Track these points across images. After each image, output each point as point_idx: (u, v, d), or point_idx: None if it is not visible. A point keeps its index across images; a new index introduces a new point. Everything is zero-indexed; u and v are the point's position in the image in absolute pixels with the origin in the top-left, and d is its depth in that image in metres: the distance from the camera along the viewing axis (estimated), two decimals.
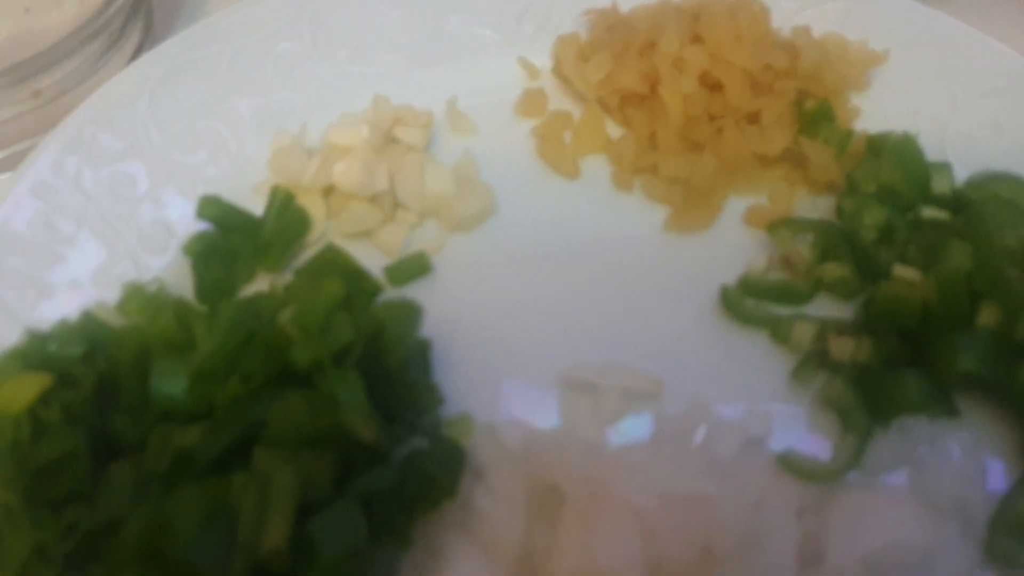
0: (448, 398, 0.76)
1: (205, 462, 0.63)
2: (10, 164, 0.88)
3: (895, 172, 0.85)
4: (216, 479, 0.62)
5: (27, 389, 0.63)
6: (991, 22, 1.03)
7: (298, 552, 0.61)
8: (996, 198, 0.82)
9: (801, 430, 0.77)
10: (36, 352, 0.67)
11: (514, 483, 0.68)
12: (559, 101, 0.99)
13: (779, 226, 0.85)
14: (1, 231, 0.77)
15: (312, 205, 0.86)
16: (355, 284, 0.77)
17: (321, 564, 0.60)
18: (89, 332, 0.70)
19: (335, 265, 0.77)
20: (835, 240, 0.84)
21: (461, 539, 0.66)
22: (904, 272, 0.80)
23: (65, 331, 0.69)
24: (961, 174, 0.89)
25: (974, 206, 0.81)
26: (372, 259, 0.84)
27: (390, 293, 0.83)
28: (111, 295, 0.76)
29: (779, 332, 0.81)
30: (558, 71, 0.99)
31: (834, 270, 0.83)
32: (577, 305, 0.84)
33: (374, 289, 0.78)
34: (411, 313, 0.74)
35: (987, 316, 0.76)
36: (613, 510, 0.64)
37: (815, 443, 0.76)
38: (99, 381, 0.66)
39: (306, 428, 0.64)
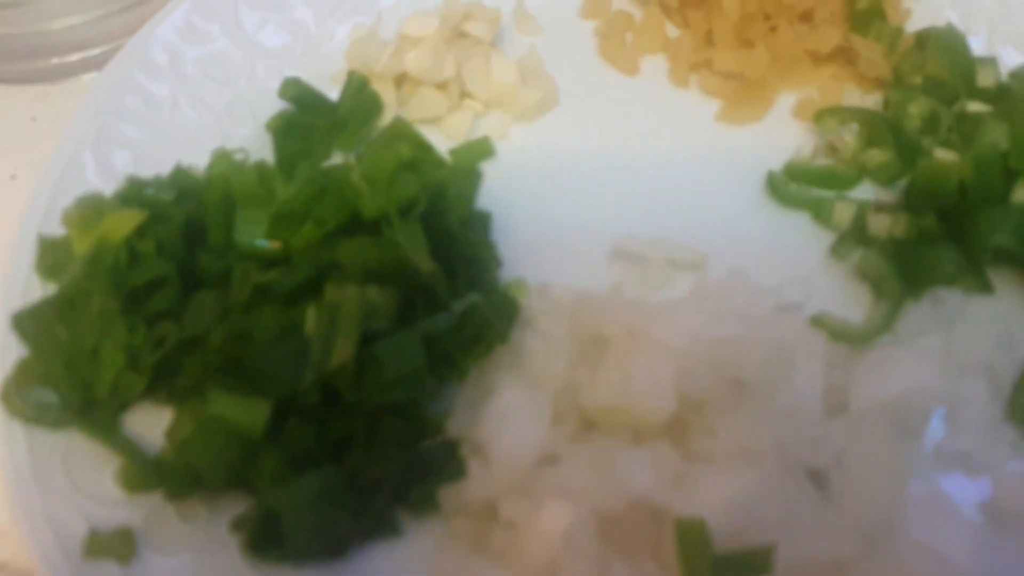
0: (506, 265, 0.82)
1: (282, 294, 0.70)
2: (98, 64, 0.96)
3: (941, 64, 0.88)
4: (291, 307, 0.69)
5: (126, 223, 0.72)
6: None
7: (362, 372, 0.67)
8: None
9: (837, 299, 0.81)
10: (135, 194, 0.75)
11: (561, 329, 0.74)
12: (621, 3, 1.03)
13: (825, 114, 0.89)
14: (109, 101, 0.85)
15: (384, 91, 0.93)
16: (421, 154, 0.83)
17: (382, 382, 0.67)
18: (180, 182, 0.78)
19: (403, 136, 0.84)
20: (879, 128, 0.87)
21: (511, 376, 0.72)
22: (943, 156, 0.83)
23: (160, 180, 0.77)
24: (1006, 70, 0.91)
25: (1014, 91, 0.83)
26: (439, 144, 0.90)
27: None
28: (201, 161, 0.83)
29: (821, 213, 0.85)
30: None
31: (877, 156, 0.86)
32: (630, 186, 0.89)
33: (439, 161, 0.84)
34: (473, 177, 0.80)
35: (1022, 193, 0.79)
36: (650, 349, 0.69)
37: (849, 311, 0.80)
38: (188, 221, 0.74)
39: (372, 264, 0.70)
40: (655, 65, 0.99)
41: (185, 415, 0.66)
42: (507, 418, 0.68)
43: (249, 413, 0.65)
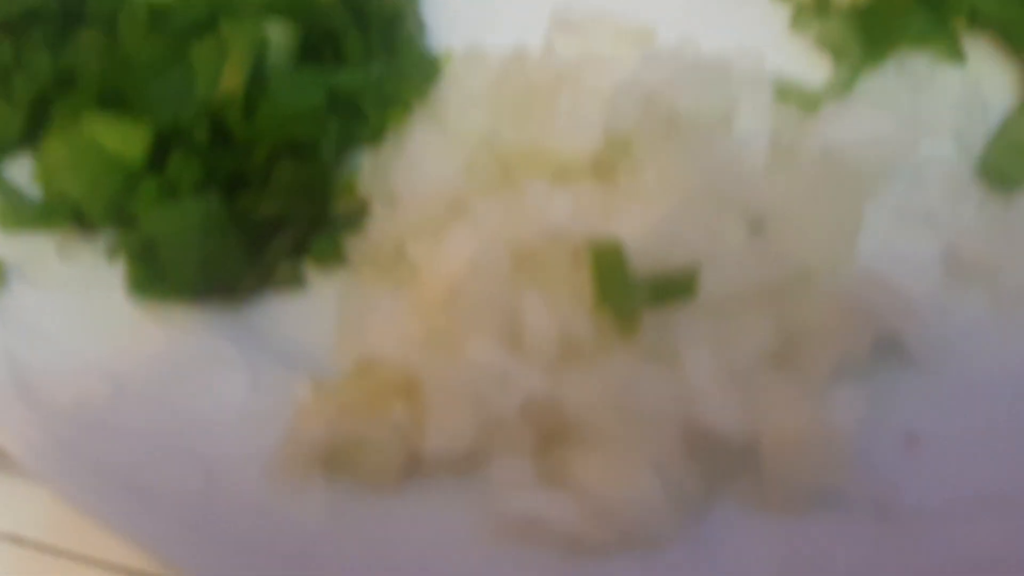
0: (431, 31, 0.75)
1: (173, 32, 0.64)
2: None
3: None
4: (180, 39, 0.63)
5: None
6: None
7: (255, 108, 0.61)
8: None
9: (794, 66, 0.74)
10: None
11: (486, 85, 0.67)
12: None
13: None
14: None
15: None
16: None
17: (276, 117, 0.61)
18: None
19: None
20: None
21: (426, 130, 0.66)
22: None
23: None
24: None
25: None
26: None
27: None
28: None
29: None
30: None
31: None
32: None
33: None
34: None
35: None
36: (577, 88, 0.63)
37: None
38: None
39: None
40: None
41: (57, 140, 0.60)
42: (417, 162, 0.62)
43: (128, 140, 0.59)
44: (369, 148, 0.67)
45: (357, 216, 0.62)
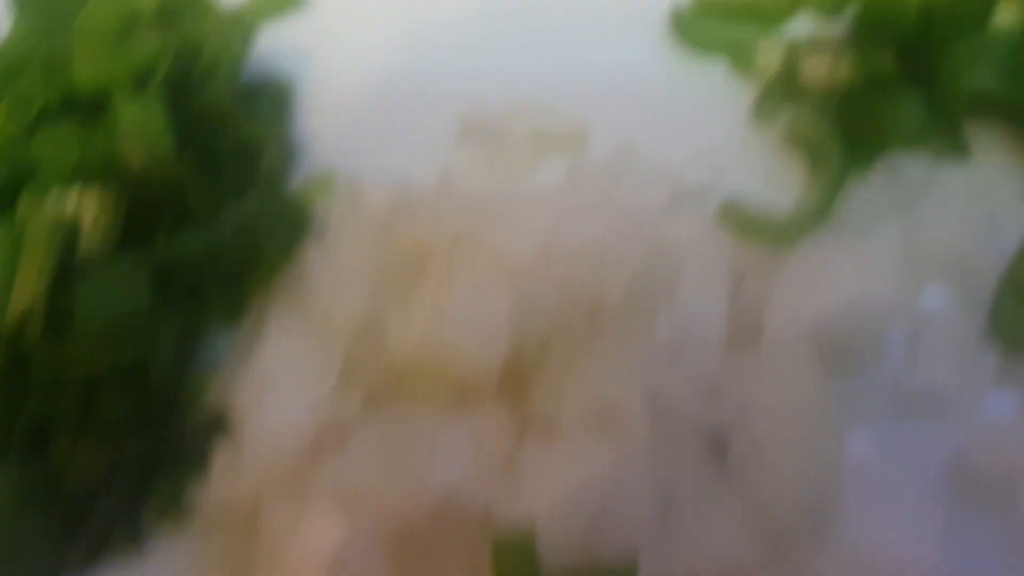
0: (310, 149, 0.61)
1: None
2: None
3: None
4: None
5: None
6: None
7: (59, 322, 0.47)
8: None
9: (759, 178, 0.60)
10: None
11: (363, 245, 0.53)
12: None
13: None
14: None
15: None
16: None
17: (86, 335, 0.46)
18: None
19: None
20: None
21: (290, 316, 0.51)
22: None
23: None
24: None
25: None
26: None
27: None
28: None
29: (741, 56, 0.63)
30: None
31: None
32: (487, 28, 0.66)
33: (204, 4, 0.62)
34: (244, 29, 0.57)
35: (1005, 15, 0.57)
36: (480, 265, 0.48)
37: (776, 194, 0.59)
38: None
39: (84, 162, 0.49)
40: None
41: None
42: (273, 382, 0.48)
43: None
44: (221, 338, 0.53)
45: (199, 458, 0.48)
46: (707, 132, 0.62)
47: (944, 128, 0.58)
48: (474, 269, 0.49)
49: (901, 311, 0.52)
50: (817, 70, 0.59)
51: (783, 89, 0.61)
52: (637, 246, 0.50)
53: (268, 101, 0.61)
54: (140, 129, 0.50)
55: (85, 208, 0.49)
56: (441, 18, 0.67)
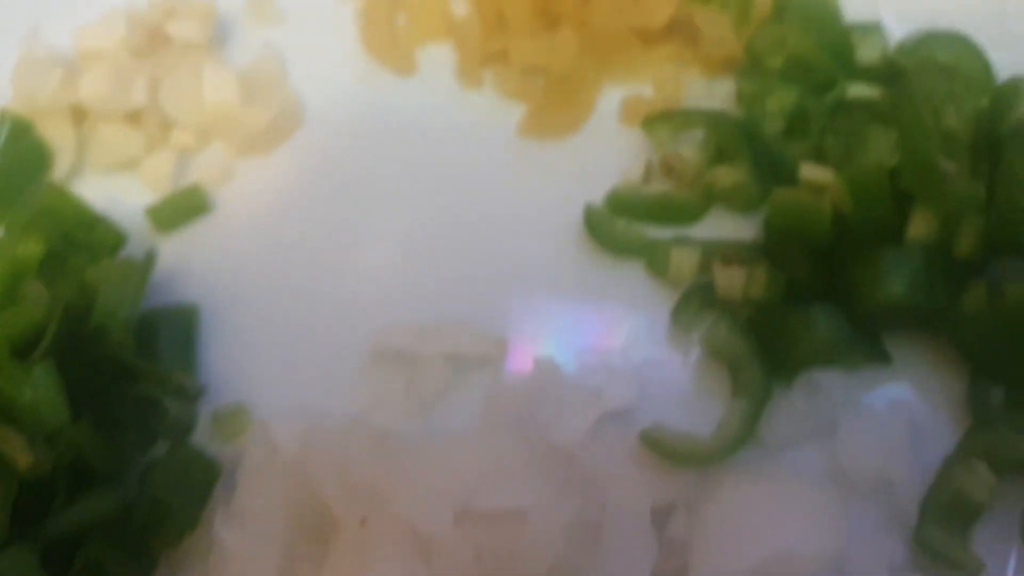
0: (222, 384, 0.58)
1: None
2: None
3: (806, 39, 0.65)
4: None
5: None
6: None
7: None
8: (930, 65, 0.61)
9: (685, 390, 0.59)
10: None
11: (274, 505, 0.50)
12: None
13: (656, 122, 0.66)
14: None
15: (59, 131, 0.67)
16: (84, 237, 0.58)
17: None
18: None
19: (55, 214, 0.58)
20: (729, 136, 0.64)
21: None
22: (813, 173, 0.60)
23: None
24: (897, 35, 0.68)
25: (903, 79, 0.60)
26: (135, 199, 0.66)
27: (157, 242, 0.64)
28: None
29: (655, 261, 0.62)
30: None
31: (727, 175, 0.63)
32: (401, 246, 0.65)
33: (115, 241, 0.59)
34: (133, 276, 0.55)
35: (919, 226, 0.57)
36: (392, 540, 0.46)
37: (704, 405, 0.58)
38: None
39: None
40: (439, 58, 0.74)
41: None
42: None
43: None
44: None
45: None
46: (627, 343, 0.60)
47: (863, 340, 0.58)
48: (387, 540, 0.47)
49: (828, 545, 0.51)
50: (731, 284, 0.59)
51: (699, 299, 0.60)
52: (561, 504, 0.47)
53: (171, 331, 0.58)
54: (31, 409, 0.47)
55: None
56: (354, 230, 0.65)
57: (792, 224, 0.58)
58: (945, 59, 0.62)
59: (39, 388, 0.49)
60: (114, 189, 0.67)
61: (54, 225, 0.57)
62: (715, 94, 0.70)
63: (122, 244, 0.60)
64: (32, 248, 0.53)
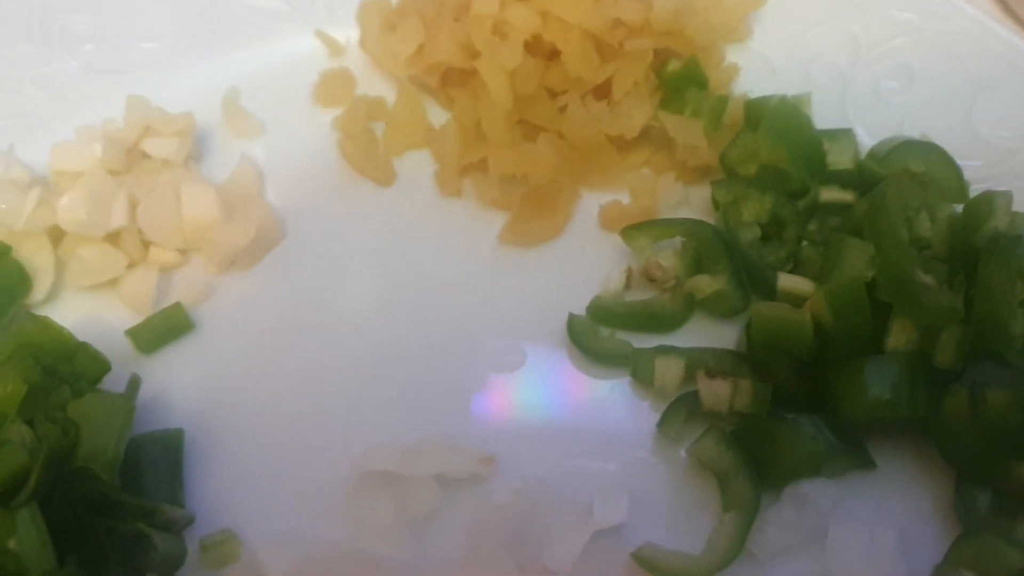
0: (210, 509, 0.58)
1: None
2: None
3: (778, 148, 0.66)
4: None
5: None
6: None
7: None
8: (904, 175, 0.63)
9: (676, 502, 0.59)
10: None
11: None
12: (370, 83, 0.78)
13: (634, 232, 0.66)
14: None
15: (36, 253, 0.66)
16: (66, 367, 0.57)
17: None
18: None
19: (36, 345, 0.57)
20: (707, 245, 0.65)
21: None
22: (791, 284, 0.62)
23: None
24: (867, 141, 0.70)
25: (876, 189, 0.62)
26: (116, 319, 0.65)
27: (139, 363, 0.63)
28: None
29: (640, 371, 0.63)
30: (365, 45, 0.79)
31: (708, 284, 0.64)
32: (387, 362, 0.65)
33: (98, 369, 0.59)
34: (118, 411, 0.54)
35: (899, 336, 0.58)
36: None
37: (693, 519, 0.58)
38: None
39: None
40: (418, 166, 0.74)
41: None
42: None
43: None
44: None
45: None
46: (616, 454, 0.61)
47: (848, 447, 0.58)
48: None
49: None
50: (717, 395, 0.59)
51: (685, 410, 0.60)
52: None
53: (157, 458, 0.58)
54: (16, 556, 0.46)
55: None
56: (339, 347, 0.65)
57: (774, 337, 0.59)
58: (916, 167, 0.63)
59: (24, 535, 0.48)
60: (93, 309, 0.66)
61: (35, 358, 0.56)
62: (692, 200, 0.71)
63: (105, 372, 0.59)
64: (14, 388, 0.52)
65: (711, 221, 0.69)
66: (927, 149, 0.65)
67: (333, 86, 0.77)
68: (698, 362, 0.61)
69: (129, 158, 0.70)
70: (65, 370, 0.57)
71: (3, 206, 0.66)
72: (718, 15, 0.75)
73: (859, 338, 0.58)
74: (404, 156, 0.75)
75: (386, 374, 0.64)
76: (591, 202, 0.72)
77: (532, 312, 0.67)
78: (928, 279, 0.56)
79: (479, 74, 0.71)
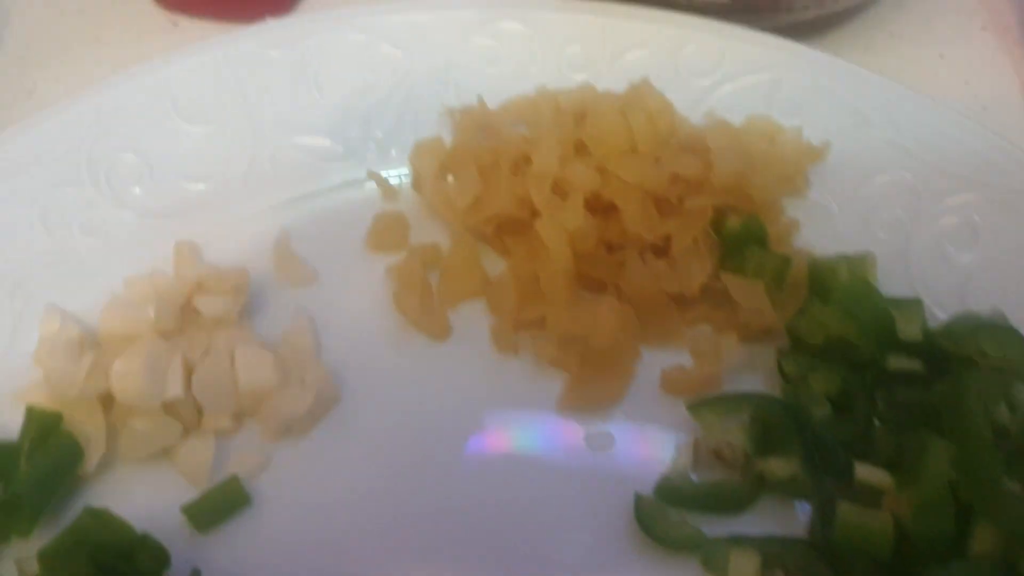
0: None
1: None
2: None
3: (847, 320, 0.65)
4: None
5: None
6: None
7: None
8: (982, 362, 0.62)
9: None
10: None
11: None
12: (422, 226, 0.77)
13: (702, 408, 0.65)
14: None
15: (89, 421, 0.65)
16: (126, 566, 0.55)
17: None
18: None
19: (93, 541, 0.56)
20: (777, 422, 0.63)
21: None
22: (869, 475, 0.60)
23: None
24: (930, 300, 0.69)
25: (953, 379, 0.61)
26: (171, 490, 0.63)
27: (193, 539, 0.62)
28: None
29: (712, 562, 0.61)
30: (418, 187, 0.77)
31: (780, 468, 0.63)
32: (445, 533, 0.63)
33: (158, 564, 0.57)
34: None
35: (983, 541, 0.57)
36: None
37: None
38: None
39: None
40: (475, 318, 0.73)
41: None
42: None
43: None
44: None
45: None
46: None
47: None
48: None
49: None
50: None
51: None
52: None
53: None
54: None
55: None
56: (396, 525, 0.63)
57: (854, 539, 0.57)
58: (992, 350, 0.62)
59: None
60: (146, 479, 0.64)
61: (91, 557, 0.54)
62: (756, 361, 0.70)
63: (165, 567, 0.57)
64: None
65: (776, 387, 0.67)
66: (1003, 332, 0.63)
67: (387, 231, 0.76)
68: (774, 559, 0.60)
69: (181, 315, 0.68)
70: (125, 568, 0.56)
71: (56, 371, 0.65)
72: (779, 167, 0.73)
73: (941, 541, 0.56)
74: (460, 307, 0.73)
75: (447, 546, 0.62)
76: (652, 361, 0.70)
77: (595, 491, 0.65)
78: (1015, 486, 0.55)
79: (535, 224, 0.70)
